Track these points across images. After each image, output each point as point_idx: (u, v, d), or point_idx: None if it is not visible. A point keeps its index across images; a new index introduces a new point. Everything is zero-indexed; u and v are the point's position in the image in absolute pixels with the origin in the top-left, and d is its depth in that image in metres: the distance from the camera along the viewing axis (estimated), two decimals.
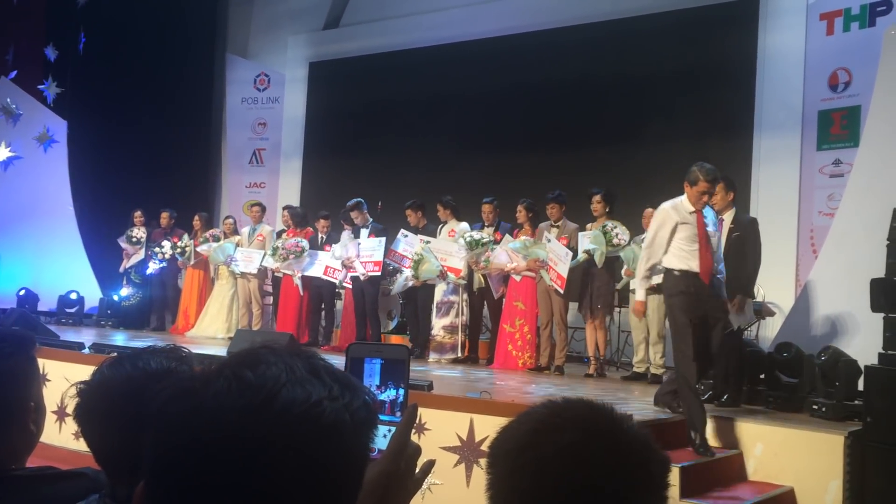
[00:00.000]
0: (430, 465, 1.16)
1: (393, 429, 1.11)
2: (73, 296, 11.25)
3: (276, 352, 0.85)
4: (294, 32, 13.61)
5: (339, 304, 9.97)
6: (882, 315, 5.04)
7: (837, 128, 9.13)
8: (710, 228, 5.17)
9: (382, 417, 1.16)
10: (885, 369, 4.95)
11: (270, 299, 10.47)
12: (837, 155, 9.06)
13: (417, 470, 1.12)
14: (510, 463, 1.04)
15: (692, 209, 5.14)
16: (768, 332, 8.21)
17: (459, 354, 8.46)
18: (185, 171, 12.88)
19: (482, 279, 8.58)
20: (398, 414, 1.17)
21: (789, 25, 9.57)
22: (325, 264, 9.48)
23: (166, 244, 10.74)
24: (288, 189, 13.23)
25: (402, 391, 1.18)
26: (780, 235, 8.66)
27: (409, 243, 8.77)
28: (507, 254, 8.13)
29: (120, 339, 9.02)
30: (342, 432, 0.81)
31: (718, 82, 9.98)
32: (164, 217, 11.10)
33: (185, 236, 10.79)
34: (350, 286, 9.26)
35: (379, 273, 8.97)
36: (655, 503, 1.04)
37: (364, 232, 9.17)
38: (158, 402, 0.82)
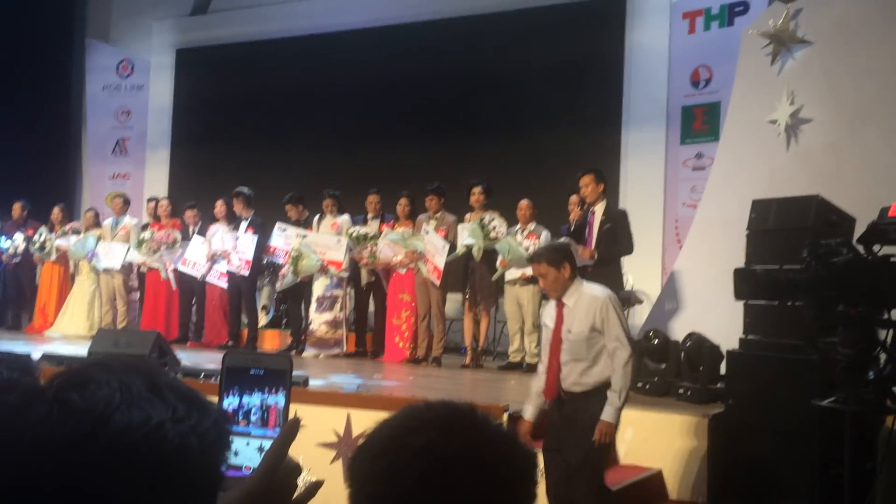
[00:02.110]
0: (317, 486, 1.05)
1: (268, 443, 1.02)
2: None
3: (109, 369, 0.74)
4: (159, 17, 13.03)
5: None
6: (743, 302, 5.27)
7: (699, 123, 9.54)
8: (566, 328, 4.08)
9: (238, 429, 1.07)
10: (745, 353, 5.18)
11: (136, 295, 10.03)
12: (699, 149, 9.47)
13: (300, 490, 1.03)
14: (366, 472, 0.99)
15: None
16: (637, 319, 8.49)
17: (344, 349, 8.33)
18: (42, 160, 12.12)
19: (368, 274, 8.48)
20: (247, 424, 1.08)
21: (654, 24, 9.92)
22: (184, 257, 9.13)
23: (19, 237, 10.10)
24: (155, 180, 12.68)
25: (270, 400, 1.09)
26: (646, 226, 8.97)
27: (288, 237, 8.52)
28: (390, 247, 8.07)
29: None
30: (188, 457, 0.72)
31: (588, 78, 10.23)
32: (17, 208, 10.44)
33: (43, 229, 10.17)
34: (213, 281, 8.97)
35: (248, 272, 8.71)
36: (523, 500, 1.01)
37: (243, 224, 8.89)
38: None
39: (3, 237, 10.18)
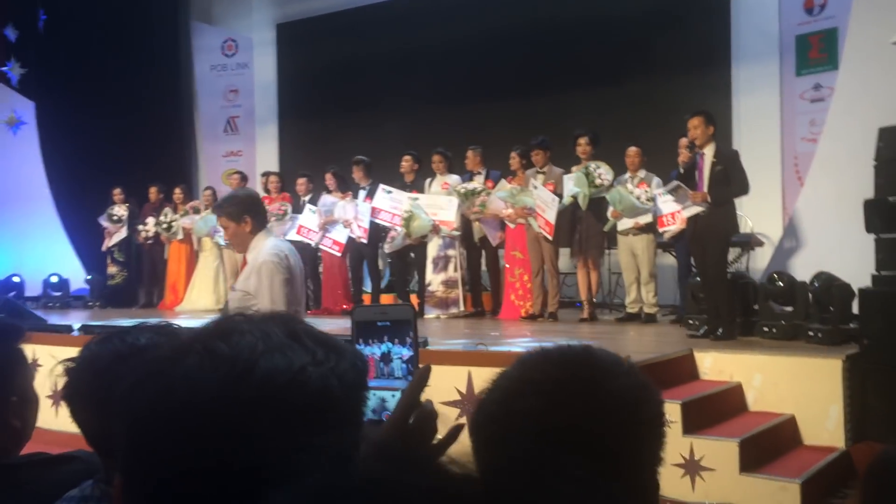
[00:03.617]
0: (458, 429, 1.04)
1: (398, 394, 1.04)
2: (55, 279, 11.11)
3: (249, 319, 0.77)
4: None
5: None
6: (873, 237, 5.02)
7: (815, 52, 9.03)
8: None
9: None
10: (879, 291, 4.95)
11: None
12: (817, 79, 8.98)
13: (440, 436, 1.04)
14: (483, 434, 0.96)
15: None
16: (758, 262, 8.20)
17: (461, 308, 8.40)
18: (159, 144, 12.62)
19: (479, 229, 8.50)
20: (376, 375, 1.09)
21: None
22: (299, 224, 9.36)
23: (150, 221, 10.57)
24: (265, 155, 13.04)
25: (401, 350, 1.11)
26: (764, 165, 8.62)
27: (395, 200, 8.61)
28: (500, 199, 8.06)
29: (108, 318, 8.91)
30: (331, 398, 0.74)
31: (693, 14, 9.83)
32: (153, 192, 10.90)
33: (168, 210, 10.63)
34: (326, 249, 9.17)
35: (366, 240, 8.87)
36: (647, 454, 0.95)
37: (362, 193, 9.04)
38: (125, 387, 0.74)
39: (153, 220, 10.61)
